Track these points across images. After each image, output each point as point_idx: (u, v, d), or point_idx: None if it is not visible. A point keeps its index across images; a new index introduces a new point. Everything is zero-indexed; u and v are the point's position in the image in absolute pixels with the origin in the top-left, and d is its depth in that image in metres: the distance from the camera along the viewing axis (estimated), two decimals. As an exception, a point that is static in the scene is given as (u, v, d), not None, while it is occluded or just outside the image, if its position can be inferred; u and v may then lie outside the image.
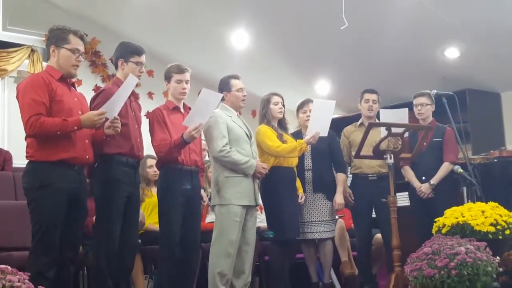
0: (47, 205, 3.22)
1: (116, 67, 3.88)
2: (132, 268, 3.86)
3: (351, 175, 5.05)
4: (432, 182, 4.61)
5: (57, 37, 3.41)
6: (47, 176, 3.24)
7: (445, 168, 4.62)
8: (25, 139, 3.32)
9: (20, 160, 5.71)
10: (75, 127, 3.26)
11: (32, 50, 6.86)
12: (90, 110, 3.51)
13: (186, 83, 4.07)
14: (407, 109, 4.70)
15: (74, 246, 3.44)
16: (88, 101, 3.70)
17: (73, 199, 3.32)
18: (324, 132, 4.46)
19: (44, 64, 6.70)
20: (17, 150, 5.94)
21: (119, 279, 3.65)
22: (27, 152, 3.31)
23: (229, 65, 6.40)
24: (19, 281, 2.40)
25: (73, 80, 3.55)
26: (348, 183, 5.00)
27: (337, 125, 4.94)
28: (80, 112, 3.40)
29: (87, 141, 3.44)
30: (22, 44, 6.85)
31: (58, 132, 3.22)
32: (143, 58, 3.85)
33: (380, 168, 4.72)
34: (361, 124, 4.94)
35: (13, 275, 2.42)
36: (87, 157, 3.43)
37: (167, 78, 4.09)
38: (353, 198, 4.86)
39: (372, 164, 4.77)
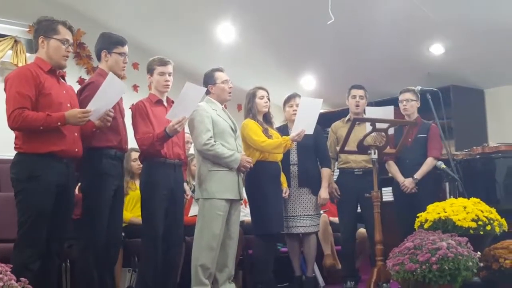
0: (34, 197, 3.21)
1: (99, 59, 3.84)
2: (116, 260, 3.88)
3: (338, 170, 5.08)
4: (415, 177, 4.65)
5: (46, 28, 3.40)
6: (35, 168, 3.23)
7: (428, 164, 4.66)
8: (14, 131, 3.31)
9: (2, 152, 5.67)
10: (59, 123, 3.25)
11: (16, 41, 6.75)
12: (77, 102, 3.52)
13: (169, 76, 4.05)
14: (392, 106, 4.74)
15: (60, 239, 3.44)
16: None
17: (60, 192, 3.31)
18: (310, 130, 4.47)
19: (28, 55, 6.64)
20: (0, 141, 5.88)
21: (103, 272, 3.66)
22: (15, 144, 3.30)
23: (215, 58, 6.36)
24: (0, 273, 2.39)
25: (62, 72, 3.53)
26: (334, 178, 5.03)
27: (323, 120, 4.96)
28: (69, 105, 3.40)
29: (76, 134, 3.43)
30: (5, 34, 6.76)
31: (41, 127, 3.21)
32: (126, 49, 3.83)
33: (366, 163, 4.75)
34: (349, 119, 4.96)
35: (-5, 267, 2.41)
36: (76, 150, 3.42)
37: (150, 71, 4.08)
38: (339, 193, 4.89)
39: (358, 159, 4.80)
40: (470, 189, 4.26)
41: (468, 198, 3.93)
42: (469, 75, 6.89)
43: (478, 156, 4.70)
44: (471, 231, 3.72)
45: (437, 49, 6.50)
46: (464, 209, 3.80)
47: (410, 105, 4.80)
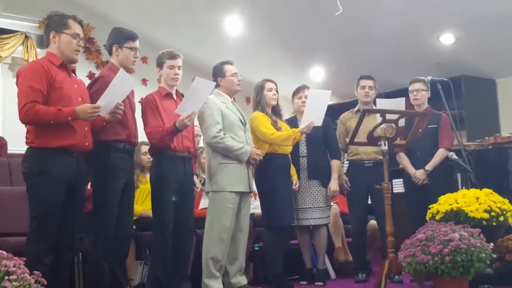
0: (46, 191, 3.22)
1: (110, 53, 3.85)
2: (127, 254, 3.88)
3: (347, 161, 5.05)
4: (427, 168, 4.62)
5: (56, 23, 3.40)
6: (46, 162, 3.24)
7: (440, 155, 4.63)
8: (25, 125, 3.31)
9: (15, 146, 5.70)
10: (69, 118, 3.26)
11: (26, 37, 6.80)
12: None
13: (179, 69, 4.06)
14: (403, 98, 4.69)
15: (71, 233, 3.44)
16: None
17: (71, 186, 3.32)
18: (319, 122, 4.45)
19: (38, 50, 6.67)
20: (12, 136, 5.90)
21: (114, 265, 3.66)
22: (27, 138, 3.31)
23: (223, 51, 6.35)
24: (14, 266, 2.39)
25: (73, 66, 3.53)
26: (344, 169, 5.00)
27: (332, 111, 4.93)
28: (80, 99, 3.41)
29: (86, 128, 3.43)
30: (16, 30, 6.79)
31: (52, 122, 3.22)
32: (137, 43, 3.83)
33: (377, 154, 4.73)
34: (358, 110, 4.94)
35: (9, 260, 2.41)
36: (87, 144, 3.43)
37: (159, 64, 4.08)
38: (349, 184, 4.87)
39: (368, 150, 4.78)
40: (482, 180, 4.22)
41: (481, 189, 3.89)
42: (481, 65, 6.83)
43: (490, 147, 4.66)
44: (484, 222, 3.69)
45: (447, 39, 6.46)
46: (477, 200, 3.77)
47: (420, 95, 4.76)
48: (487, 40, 6.29)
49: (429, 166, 4.62)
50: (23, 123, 3.27)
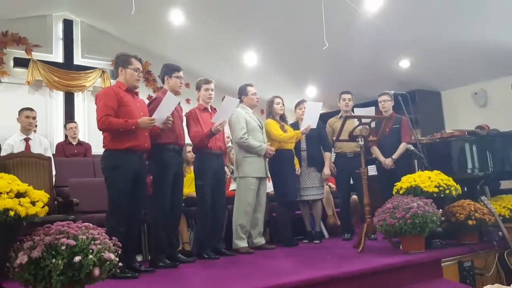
0: (118, 182, 3.23)
1: (163, 82, 3.87)
2: (179, 223, 3.88)
3: (334, 154, 5.03)
4: (393, 157, 4.59)
5: (123, 61, 3.42)
6: (118, 160, 3.24)
7: (402, 147, 4.59)
8: (102, 133, 3.33)
9: (97, 150, 5.77)
10: (133, 127, 3.27)
11: (103, 72, 6.89)
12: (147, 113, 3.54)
13: (212, 91, 4.08)
14: (373, 107, 4.67)
15: (138, 210, 3.44)
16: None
17: (136, 177, 3.32)
18: (314, 125, 4.45)
19: (112, 81, 6.74)
20: (95, 142, 5.98)
21: (170, 232, 3.68)
22: (103, 143, 3.32)
23: (242, 77, 6.38)
24: (98, 234, 2.41)
25: (136, 90, 3.56)
26: (332, 159, 4.98)
27: (324, 118, 4.92)
28: (142, 113, 3.41)
29: (146, 133, 3.43)
30: (96, 67, 6.88)
31: (121, 129, 3.24)
32: (182, 73, 3.85)
33: (356, 148, 4.68)
34: (341, 116, 4.90)
35: (94, 230, 2.43)
36: (146, 145, 3.43)
37: (198, 88, 4.10)
38: (336, 170, 4.85)
39: (350, 145, 4.74)
40: (433, 164, 4.18)
41: (432, 171, 3.87)
42: (429, 81, 6.79)
43: (438, 140, 4.60)
44: (435, 195, 3.67)
45: (404, 63, 6.42)
46: (429, 179, 3.75)
47: (387, 104, 4.72)
48: (434, 63, 6.25)
49: (395, 156, 4.58)
50: (100, 130, 3.28)
